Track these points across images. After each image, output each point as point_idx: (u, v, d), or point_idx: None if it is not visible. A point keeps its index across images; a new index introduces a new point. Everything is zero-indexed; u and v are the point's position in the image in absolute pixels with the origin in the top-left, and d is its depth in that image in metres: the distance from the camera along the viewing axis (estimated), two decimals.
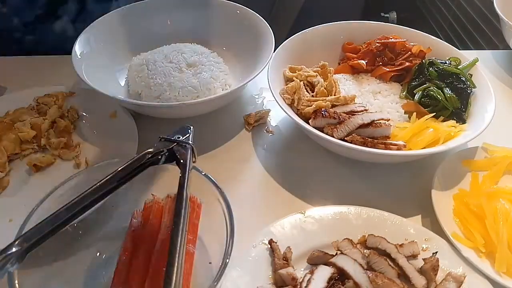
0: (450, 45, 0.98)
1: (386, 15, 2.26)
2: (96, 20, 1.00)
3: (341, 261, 0.64)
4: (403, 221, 0.72)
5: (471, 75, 0.91)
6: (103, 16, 1.02)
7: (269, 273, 0.65)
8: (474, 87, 0.89)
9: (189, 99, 0.90)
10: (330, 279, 0.63)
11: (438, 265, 0.65)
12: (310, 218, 0.72)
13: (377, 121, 0.81)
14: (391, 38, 0.98)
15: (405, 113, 0.88)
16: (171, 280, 0.51)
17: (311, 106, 0.84)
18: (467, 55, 0.94)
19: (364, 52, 0.98)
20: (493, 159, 0.82)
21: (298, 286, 0.63)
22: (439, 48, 0.98)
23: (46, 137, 0.85)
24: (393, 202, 0.79)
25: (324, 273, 0.63)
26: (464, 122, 0.85)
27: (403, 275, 0.65)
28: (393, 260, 0.66)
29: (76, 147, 0.86)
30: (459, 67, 0.92)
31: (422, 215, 0.78)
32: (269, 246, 0.68)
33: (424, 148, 0.79)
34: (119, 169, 0.62)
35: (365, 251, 0.67)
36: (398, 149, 0.76)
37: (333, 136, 0.78)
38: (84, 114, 0.93)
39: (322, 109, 0.82)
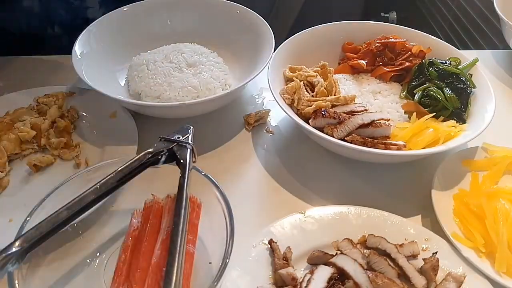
0: (450, 45, 0.98)
1: (386, 15, 2.26)
2: (96, 20, 1.00)
3: (341, 261, 0.64)
4: (403, 221, 0.72)
5: (471, 75, 0.91)
6: (103, 16, 1.02)
7: (269, 273, 0.65)
8: (474, 87, 0.89)
9: (189, 99, 0.90)
10: (330, 279, 0.63)
11: (438, 265, 0.65)
12: (310, 218, 0.72)
13: (377, 121, 0.81)
14: (391, 38, 0.98)
15: (405, 113, 0.88)
16: (171, 280, 0.51)
17: (311, 106, 0.84)
18: (467, 55, 0.94)
19: (364, 52, 0.98)
20: (493, 159, 0.82)
21: (298, 286, 0.63)
22: (439, 48, 0.98)
23: (46, 137, 0.85)
24: (393, 202, 0.79)
25: (324, 273, 0.63)
26: (464, 122, 0.85)
27: (403, 275, 0.65)
28: (393, 260, 0.66)
29: (76, 147, 0.86)
30: (459, 67, 0.92)
31: (422, 215, 0.78)
32: (269, 246, 0.68)
33: (424, 148, 0.79)
34: (119, 169, 0.63)
35: (365, 251, 0.67)
36: (398, 149, 0.76)
37: (333, 136, 0.78)
38: (84, 114, 0.93)
39: (322, 109, 0.82)
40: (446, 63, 0.92)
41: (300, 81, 0.88)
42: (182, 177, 0.63)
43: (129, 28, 1.04)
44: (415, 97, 0.89)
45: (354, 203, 0.75)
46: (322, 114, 0.81)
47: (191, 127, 0.69)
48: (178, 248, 0.54)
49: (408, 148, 0.78)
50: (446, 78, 0.90)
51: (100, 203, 0.62)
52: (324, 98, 0.86)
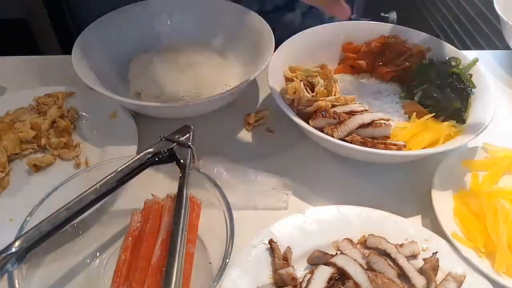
0: (450, 45, 0.98)
1: (386, 15, 2.26)
2: (96, 20, 1.00)
3: (341, 261, 0.64)
4: (403, 221, 0.72)
5: (471, 75, 0.91)
6: (103, 16, 1.02)
7: (269, 273, 0.65)
8: (474, 87, 0.89)
9: (189, 99, 0.90)
10: (330, 279, 0.63)
11: (438, 265, 0.65)
12: (310, 218, 0.72)
13: (377, 121, 0.81)
14: (391, 38, 0.98)
15: (405, 113, 0.88)
16: (171, 280, 0.51)
17: (311, 106, 0.84)
18: (467, 55, 0.94)
19: (364, 52, 0.98)
20: (493, 159, 0.82)
21: (298, 286, 0.63)
22: (439, 48, 0.98)
23: (46, 137, 0.85)
24: (393, 202, 0.79)
25: (324, 273, 0.63)
26: (464, 122, 0.85)
27: (403, 275, 0.65)
28: (393, 260, 0.66)
29: (76, 147, 0.86)
30: (459, 67, 0.92)
31: (422, 215, 0.78)
32: (269, 246, 0.68)
33: (424, 148, 0.79)
34: (119, 169, 0.63)
35: (365, 251, 0.67)
36: (398, 149, 0.76)
37: (333, 136, 0.78)
38: (84, 114, 0.93)
39: (322, 109, 0.82)
40: (446, 63, 0.92)
41: (300, 81, 0.88)
42: (182, 177, 0.63)
43: (129, 28, 1.04)
44: (415, 97, 0.89)
45: (354, 203, 0.75)
46: (322, 114, 0.81)
47: (191, 127, 0.69)
48: (178, 248, 0.54)
49: (408, 148, 0.78)
50: (446, 78, 0.90)
51: (100, 203, 0.63)
52: (324, 98, 0.86)
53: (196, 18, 1.08)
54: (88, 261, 0.66)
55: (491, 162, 0.81)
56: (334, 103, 0.85)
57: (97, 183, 0.61)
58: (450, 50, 0.97)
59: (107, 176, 0.62)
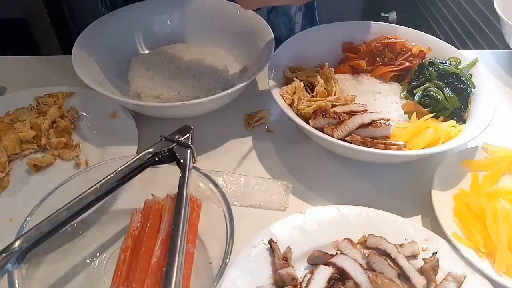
0: (450, 45, 0.98)
1: (386, 15, 2.26)
2: (96, 20, 1.00)
3: (341, 261, 0.64)
4: (403, 221, 0.72)
5: (471, 75, 0.91)
6: (103, 16, 1.02)
7: (269, 273, 0.65)
8: (474, 87, 0.89)
9: (189, 99, 0.90)
10: (330, 279, 0.63)
11: (438, 265, 0.65)
12: (310, 218, 0.72)
13: (377, 121, 0.81)
14: (391, 38, 0.98)
15: (405, 113, 0.88)
16: (171, 280, 0.51)
17: (311, 106, 0.84)
18: (467, 55, 0.94)
19: (364, 52, 0.98)
20: (493, 159, 0.82)
21: (298, 286, 0.63)
22: (439, 48, 0.98)
23: (46, 137, 0.86)
24: (393, 202, 0.79)
25: (324, 273, 0.63)
26: (464, 122, 0.85)
27: (403, 275, 0.65)
28: (393, 260, 0.66)
29: (76, 147, 0.86)
30: (459, 67, 0.92)
31: (422, 215, 0.78)
32: (269, 246, 0.68)
33: (424, 148, 0.79)
34: (119, 169, 0.63)
35: (365, 251, 0.67)
36: (398, 149, 0.76)
37: (333, 136, 0.78)
38: (84, 114, 0.93)
39: (322, 109, 0.82)
40: (446, 63, 0.92)
41: (300, 81, 0.88)
42: (182, 177, 0.63)
43: (129, 28, 1.04)
44: (415, 97, 0.89)
45: (354, 203, 0.75)
46: (322, 114, 0.81)
47: (191, 127, 0.69)
48: (178, 248, 0.54)
49: (408, 148, 0.78)
50: (446, 78, 0.90)
51: (100, 203, 0.63)
52: (324, 98, 0.86)
53: (196, 18, 1.08)
54: (88, 261, 0.66)
55: (491, 162, 0.81)
56: (334, 103, 0.85)
57: (97, 183, 0.61)
58: (450, 50, 0.97)
59: (107, 176, 0.62)
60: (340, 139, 0.78)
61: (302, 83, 0.87)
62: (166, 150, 0.66)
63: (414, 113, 0.86)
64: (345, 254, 0.66)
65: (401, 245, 0.68)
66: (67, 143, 0.86)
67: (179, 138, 0.67)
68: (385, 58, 0.96)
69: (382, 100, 0.91)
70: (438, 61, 0.92)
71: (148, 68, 0.96)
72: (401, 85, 0.95)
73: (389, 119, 0.83)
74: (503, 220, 0.69)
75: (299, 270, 0.67)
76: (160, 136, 0.68)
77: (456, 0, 1.98)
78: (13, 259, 0.53)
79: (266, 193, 0.79)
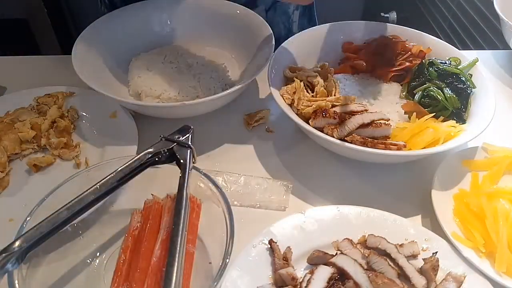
0: (450, 45, 0.98)
1: (386, 15, 2.26)
2: (96, 20, 1.00)
3: (341, 261, 0.64)
4: (403, 221, 0.72)
5: (471, 75, 0.91)
6: (103, 16, 1.02)
7: (269, 273, 0.65)
8: (474, 87, 0.89)
9: (189, 99, 0.90)
10: (330, 279, 0.63)
11: (438, 265, 0.65)
12: (310, 218, 0.72)
13: (377, 121, 0.81)
14: (391, 38, 0.98)
15: (405, 113, 0.88)
16: (171, 280, 0.51)
17: (311, 106, 0.84)
18: (467, 55, 0.94)
19: (364, 52, 0.98)
20: (493, 159, 0.82)
21: (298, 286, 0.63)
22: (439, 48, 0.98)
23: (46, 137, 0.85)
24: (393, 202, 0.79)
25: (324, 273, 0.63)
26: (464, 122, 0.85)
27: (403, 275, 0.65)
28: (393, 260, 0.66)
29: (76, 147, 0.86)
30: (459, 67, 0.92)
31: (422, 215, 0.78)
32: (269, 246, 0.68)
33: (424, 148, 0.79)
34: (119, 169, 0.63)
35: (365, 251, 0.67)
36: (398, 149, 0.76)
37: (333, 136, 0.78)
38: (84, 114, 0.93)
39: (322, 109, 0.82)
40: (446, 63, 0.92)
41: (300, 81, 0.88)
42: (182, 177, 0.63)
43: (129, 28, 1.04)
44: (415, 97, 0.89)
45: (354, 203, 0.75)
46: (322, 114, 0.81)
47: (191, 127, 0.69)
48: (178, 248, 0.54)
49: (408, 148, 0.78)
50: (446, 78, 0.90)
51: (100, 203, 0.63)
52: (324, 98, 0.86)
53: (196, 18, 1.08)
54: (88, 261, 0.66)
55: (491, 162, 0.81)
56: (334, 103, 0.85)
57: (97, 183, 0.61)
58: (450, 50, 0.97)
59: (107, 176, 0.62)
60: (340, 139, 0.78)
61: (302, 83, 0.87)
62: (166, 150, 0.66)
63: (414, 113, 0.86)
64: (345, 254, 0.66)
65: (401, 245, 0.68)
66: (67, 143, 0.86)
67: (179, 138, 0.67)
68: (385, 58, 0.96)
69: (382, 100, 0.91)
70: (438, 61, 0.92)
71: (148, 68, 0.96)
72: (401, 85, 0.95)
73: (389, 119, 0.83)
74: (503, 220, 0.69)
75: (299, 270, 0.67)
76: (160, 136, 0.68)
77: (456, 0, 1.98)
78: (13, 259, 0.53)
79: (266, 193, 0.79)
